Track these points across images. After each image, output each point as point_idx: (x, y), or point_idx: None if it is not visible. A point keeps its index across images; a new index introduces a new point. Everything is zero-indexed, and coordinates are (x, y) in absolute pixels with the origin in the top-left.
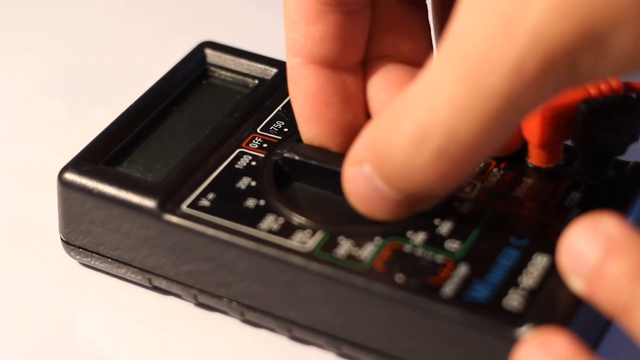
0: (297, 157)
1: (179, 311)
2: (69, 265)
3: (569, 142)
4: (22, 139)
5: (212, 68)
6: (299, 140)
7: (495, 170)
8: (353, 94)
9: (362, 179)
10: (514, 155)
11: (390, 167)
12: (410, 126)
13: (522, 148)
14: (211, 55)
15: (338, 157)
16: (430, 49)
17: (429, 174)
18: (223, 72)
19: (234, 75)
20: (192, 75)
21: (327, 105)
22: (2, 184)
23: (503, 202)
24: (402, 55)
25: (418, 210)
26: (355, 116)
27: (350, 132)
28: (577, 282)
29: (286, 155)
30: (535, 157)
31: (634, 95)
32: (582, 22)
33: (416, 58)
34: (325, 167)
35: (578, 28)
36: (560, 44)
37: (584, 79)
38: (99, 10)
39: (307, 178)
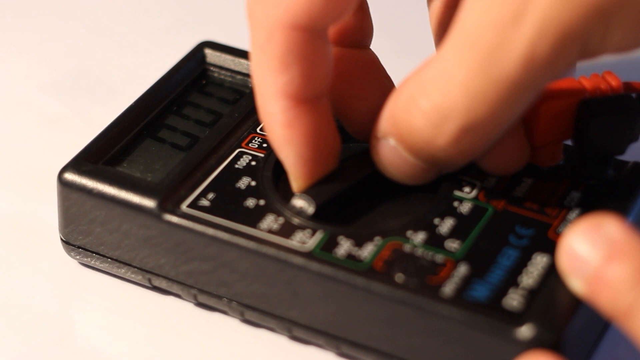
0: None
1: (178, 311)
2: (69, 265)
3: (569, 142)
4: (22, 139)
5: (211, 68)
6: None
7: None
8: (330, 117)
9: (388, 150)
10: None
11: (413, 143)
12: (429, 108)
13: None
14: (210, 55)
15: None
16: None
17: (450, 151)
18: (222, 72)
19: (234, 75)
20: (191, 75)
21: (327, 139)
22: (2, 184)
23: (503, 202)
24: None
25: (446, 172)
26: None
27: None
28: (577, 283)
29: None
30: (535, 157)
31: (634, 95)
32: (588, 3)
33: None
34: None
35: (585, 10)
36: (569, 28)
37: (594, 54)
38: (99, 10)
39: None
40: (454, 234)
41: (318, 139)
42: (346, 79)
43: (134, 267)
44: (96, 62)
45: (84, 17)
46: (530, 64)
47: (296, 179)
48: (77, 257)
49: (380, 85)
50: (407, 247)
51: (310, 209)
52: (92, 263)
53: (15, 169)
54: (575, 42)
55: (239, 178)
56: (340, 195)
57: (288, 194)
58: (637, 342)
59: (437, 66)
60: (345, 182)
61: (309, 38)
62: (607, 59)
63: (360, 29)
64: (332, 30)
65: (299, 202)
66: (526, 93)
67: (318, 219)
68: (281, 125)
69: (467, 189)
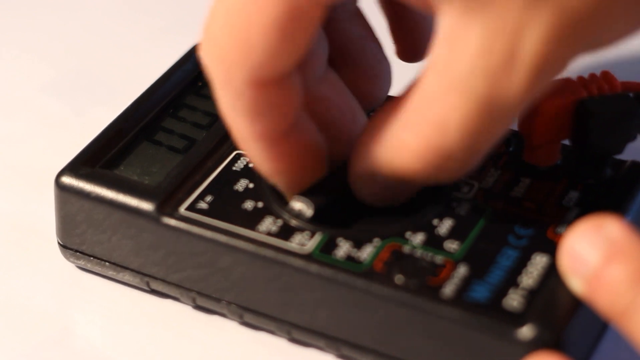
0: None
1: (177, 314)
2: (69, 265)
3: (566, 142)
4: (22, 139)
5: None
6: None
7: (492, 170)
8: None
9: (372, 183)
10: (511, 154)
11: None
12: (428, 149)
13: (519, 147)
14: None
15: None
16: None
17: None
18: None
19: None
20: (186, 77)
21: (312, 154)
22: (2, 184)
23: (501, 202)
24: None
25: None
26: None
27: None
28: (577, 283)
29: None
30: (532, 157)
31: (631, 94)
32: (582, 43)
33: None
34: None
35: (580, 47)
36: (564, 63)
37: (594, 50)
38: (99, 10)
39: None
40: (452, 234)
41: (303, 159)
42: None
43: (132, 270)
44: (96, 62)
45: (84, 17)
46: (526, 96)
47: (289, 194)
48: (75, 261)
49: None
50: (406, 249)
51: (309, 211)
52: (90, 267)
53: (15, 169)
54: (572, 58)
55: (236, 180)
56: (339, 196)
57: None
58: (634, 342)
59: (429, 108)
60: (344, 184)
61: (277, 85)
62: (605, 59)
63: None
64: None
65: (297, 205)
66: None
67: (317, 220)
68: (265, 161)
69: (465, 190)
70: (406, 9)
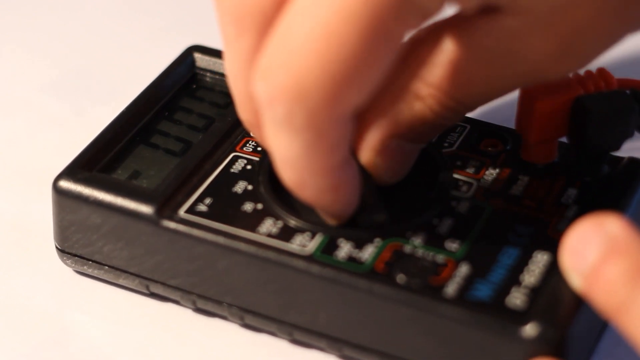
0: None
1: (177, 317)
2: (69, 266)
3: (564, 139)
4: (22, 139)
5: (201, 72)
6: None
7: (490, 169)
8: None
9: None
10: (509, 152)
11: None
12: None
13: (517, 145)
14: (200, 59)
15: None
16: None
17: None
18: (213, 76)
19: (224, 79)
20: (181, 80)
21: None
22: (2, 184)
23: (500, 201)
24: None
25: None
26: None
27: None
28: (577, 280)
29: None
30: (530, 155)
31: (628, 91)
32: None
33: None
34: None
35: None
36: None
37: None
38: (99, 10)
39: None
40: (453, 233)
41: (355, 185)
42: None
43: (131, 274)
44: (96, 62)
45: (84, 17)
46: None
47: (335, 221)
48: (73, 265)
49: None
50: (407, 248)
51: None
52: (89, 271)
53: (15, 169)
54: None
55: (235, 182)
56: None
57: (286, 197)
58: (630, 338)
59: None
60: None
61: (349, 121)
62: (601, 56)
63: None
64: None
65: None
66: None
67: (317, 221)
68: (328, 191)
69: (464, 189)
70: None
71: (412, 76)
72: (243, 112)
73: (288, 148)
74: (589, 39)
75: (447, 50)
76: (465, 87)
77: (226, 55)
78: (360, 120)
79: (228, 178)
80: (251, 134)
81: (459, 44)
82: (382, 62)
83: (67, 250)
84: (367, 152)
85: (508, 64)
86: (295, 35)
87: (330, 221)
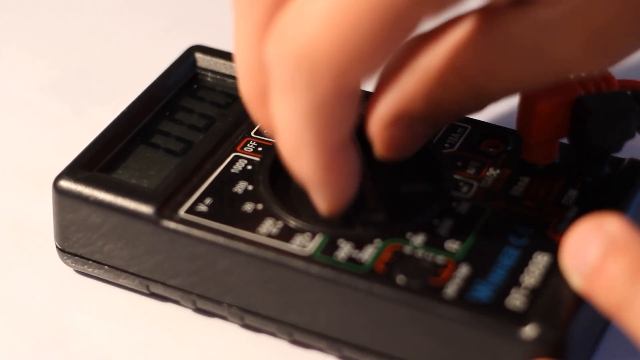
0: None
1: (177, 317)
2: (69, 266)
3: (565, 140)
4: (22, 139)
5: (202, 72)
6: None
7: (491, 169)
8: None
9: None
10: (510, 153)
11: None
12: None
13: (517, 146)
14: (201, 59)
15: None
16: None
17: None
18: (214, 76)
19: (225, 79)
20: (182, 80)
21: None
22: (2, 184)
23: (500, 202)
24: None
25: None
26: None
27: None
28: (577, 280)
29: None
30: (531, 155)
31: (629, 92)
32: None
33: None
34: None
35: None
36: None
37: None
38: (99, 10)
39: None
40: (453, 234)
41: (351, 173)
42: None
43: (132, 274)
44: (96, 62)
45: (84, 17)
46: None
47: (328, 209)
48: (73, 264)
49: None
50: (407, 249)
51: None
52: (89, 270)
53: (15, 169)
54: None
55: (235, 182)
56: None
57: (286, 197)
58: (633, 335)
59: None
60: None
61: (356, 93)
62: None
63: None
64: None
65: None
66: None
67: (317, 221)
68: (319, 170)
69: (464, 189)
70: None
71: (438, 58)
72: (247, 84)
73: (289, 112)
74: (620, 35)
75: (474, 38)
76: (490, 78)
77: (236, 27)
78: (377, 90)
79: (228, 178)
80: (249, 110)
81: (487, 33)
82: (392, 44)
83: (67, 249)
84: (377, 122)
85: (536, 58)
86: (315, 4)
87: (324, 210)
